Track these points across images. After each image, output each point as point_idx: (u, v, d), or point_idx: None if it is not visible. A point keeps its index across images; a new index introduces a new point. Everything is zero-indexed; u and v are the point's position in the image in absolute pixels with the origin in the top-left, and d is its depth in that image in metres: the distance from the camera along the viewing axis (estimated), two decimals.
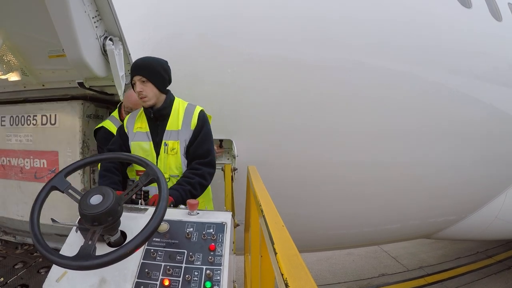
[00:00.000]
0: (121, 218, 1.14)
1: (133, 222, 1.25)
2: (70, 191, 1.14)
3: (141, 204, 1.55)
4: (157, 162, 1.82)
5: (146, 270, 1.14)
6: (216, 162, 2.20)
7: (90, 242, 1.02)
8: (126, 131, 1.91)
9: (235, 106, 2.73)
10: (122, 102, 2.35)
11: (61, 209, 2.23)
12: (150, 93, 1.76)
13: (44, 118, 2.68)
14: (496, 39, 3.74)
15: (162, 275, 1.13)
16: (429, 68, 3.18)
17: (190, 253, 1.19)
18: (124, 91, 2.22)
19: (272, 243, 0.99)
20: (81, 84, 2.30)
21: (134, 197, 1.43)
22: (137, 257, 1.17)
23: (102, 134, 2.29)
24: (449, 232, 4.30)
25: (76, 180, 2.53)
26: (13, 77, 2.56)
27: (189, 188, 1.72)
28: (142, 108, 1.89)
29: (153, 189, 1.68)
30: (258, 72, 2.68)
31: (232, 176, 2.63)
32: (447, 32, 3.31)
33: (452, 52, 3.31)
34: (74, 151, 2.59)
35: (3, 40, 2.28)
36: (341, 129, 2.98)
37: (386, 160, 3.25)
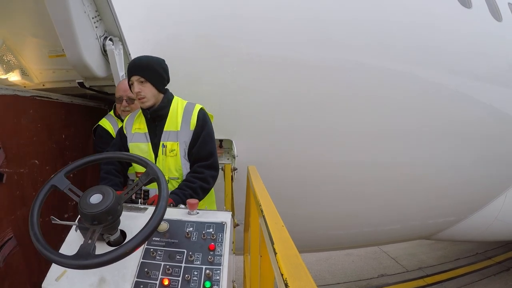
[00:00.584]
0: (121, 218, 1.14)
1: (133, 222, 1.25)
2: (69, 190, 1.14)
3: (141, 203, 1.55)
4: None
5: (146, 269, 1.14)
6: None
7: (89, 241, 1.02)
8: (125, 132, 1.89)
9: (235, 106, 2.72)
10: None
11: None
12: (149, 93, 1.72)
13: None
14: (496, 39, 3.75)
15: (161, 275, 1.13)
16: (429, 68, 3.18)
17: (190, 253, 1.19)
18: None
19: (272, 243, 0.99)
20: (81, 84, 2.30)
21: (134, 196, 1.42)
22: (136, 256, 1.17)
23: (98, 133, 2.29)
24: (448, 233, 4.29)
25: None
26: (13, 77, 2.57)
27: (190, 192, 1.69)
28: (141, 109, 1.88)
29: (153, 190, 1.68)
30: (258, 72, 2.68)
31: (232, 176, 2.63)
32: (447, 32, 3.31)
33: (452, 52, 3.31)
34: None
35: (3, 40, 2.28)
36: (341, 129, 2.98)
37: (386, 160, 3.24)
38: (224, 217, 1.32)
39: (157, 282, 1.11)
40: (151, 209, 1.33)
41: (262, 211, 1.31)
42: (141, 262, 1.17)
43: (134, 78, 1.71)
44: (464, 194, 3.89)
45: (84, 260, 0.98)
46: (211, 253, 1.19)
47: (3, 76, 2.57)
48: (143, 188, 1.45)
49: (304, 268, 0.82)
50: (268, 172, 2.26)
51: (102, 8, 1.94)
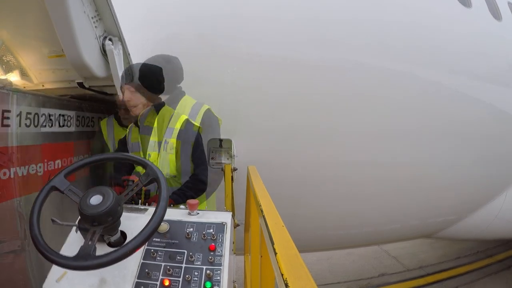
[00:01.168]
0: (121, 218, 1.13)
1: (133, 222, 1.25)
2: (70, 191, 1.14)
3: (141, 204, 1.55)
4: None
5: (146, 270, 1.14)
6: (216, 162, 2.19)
7: (90, 242, 1.02)
8: (126, 141, 1.95)
9: (235, 106, 2.72)
10: None
11: None
12: (138, 102, 1.74)
13: None
14: (496, 38, 3.74)
15: (162, 275, 1.13)
16: (429, 67, 3.18)
17: (190, 253, 1.19)
18: None
19: (272, 243, 0.99)
20: (80, 84, 2.30)
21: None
22: (137, 257, 1.17)
23: (96, 133, 2.32)
24: (449, 232, 4.30)
25: None
26: (13, 77, 2.56)
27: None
28: None
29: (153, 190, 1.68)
30: (258, 72, 2.68)
31: (232, 176, 2.62)
32: (447, 32, 3.31)
33: (452, 51, 3.31)
34: None
35: (2, 40, 2.28)
36: (341, 129, 2.98)
37: (386, 160, 3.24)
38: (225, 217, 1.33)
39: (158, 283, 1.11)
40: (151, 209, 1.33)
41: (262, 211, 1.30)
42: (142, 262, 1.17)
43: (125, 86, 1.74)
44: (464, 193, 3.89)
45: (84, 261, 0.98)
46: (212, 253, 1.19)
47: (3, 77, 2.56)
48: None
49: (304, 268, 0.82)
50: (268, 172, 2.25)
51: (101, 7, 1.93)
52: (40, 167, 2.18)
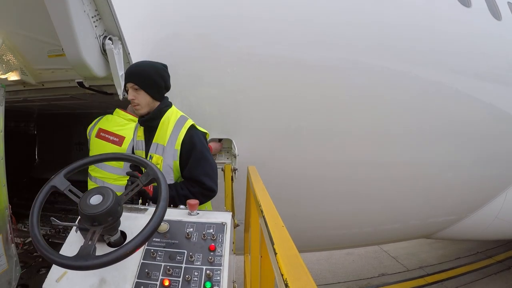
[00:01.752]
0: (121, 218, 1.13)
1: (133, 222, 1.25)
2: (69, 191, 1.13)
3: (141, 204, 1.55)
4: None
5: (146, 270, 1.14)
6: (216, 161, 2.19)
7: (90, 242, 1.02)
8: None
9: (235, 106, 2.72)
10: None
11: None
12: (143, 101, 1.69)
13: None
14: (496, 38, 3.74)
15: (162, 275, 1.13)
16: (428, 67, 3.18)
17: (190, 253, 1.19)
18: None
19: (272, 243, 0.99)
20: (80, 84, 2.30)
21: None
22: (137, 257, 1.17)
23: None
24: (449, 232, 4.29)
25: None
26: (13, 76, 2.56)
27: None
28: None
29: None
30: (258, 72, 2.68)
31: (232, 176, 2.63)
32: (447, 31, 3.31)
33: (452, 51, 3.31)
34: None
35: (3, 40, 2.28)
36: (341, 129, 2.98)
37: (386, 160, 3.24)
38: (224, 217, 1.32)
39: (158, 283, 1.11)
40: (151, 209, 1.33)
41: (262, 211, 1.30)
42: (142, 263, 1.17)
43: (129, 85, 1.69)
44: (464, 193, 3.89)
45: (84, 261, 0.98)
46: (212, 253, 1.19)
47: (3, 76, 2.56)
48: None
49: (304, 268, 0.82)
50: (268, 172, 2.26)
51: (101, 7, 1.93)
52: None
